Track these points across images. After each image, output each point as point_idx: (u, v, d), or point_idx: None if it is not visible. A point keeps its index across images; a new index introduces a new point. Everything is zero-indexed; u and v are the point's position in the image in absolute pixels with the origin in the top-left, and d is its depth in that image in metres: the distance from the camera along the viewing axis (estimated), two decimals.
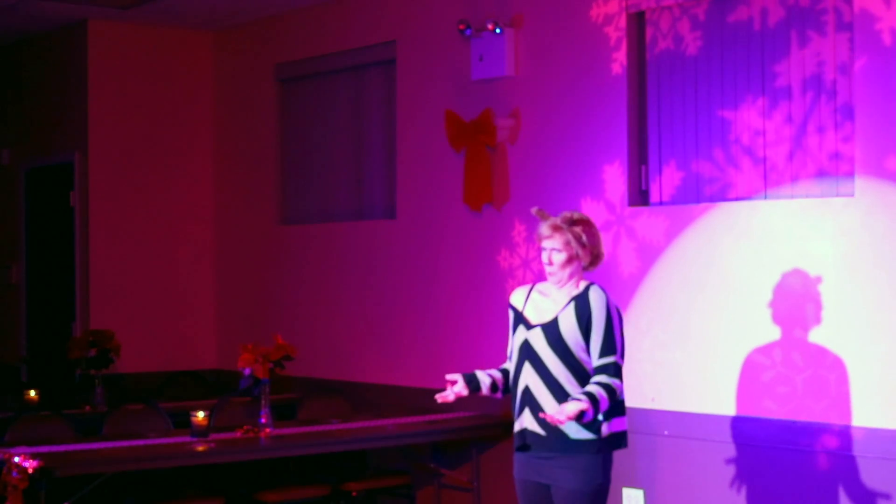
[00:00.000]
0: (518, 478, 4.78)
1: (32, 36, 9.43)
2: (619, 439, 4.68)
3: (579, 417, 4.48)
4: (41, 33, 9.32)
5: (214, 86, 9.30)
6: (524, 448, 4.71)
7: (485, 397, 4.94)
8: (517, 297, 4.83)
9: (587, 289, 4.67)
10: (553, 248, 4.68)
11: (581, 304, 4.63)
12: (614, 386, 4.57)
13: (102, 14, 8.74)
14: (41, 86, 9.48)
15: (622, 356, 4.65)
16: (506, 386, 4.85)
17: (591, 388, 4.53)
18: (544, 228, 4.71)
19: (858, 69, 5.45)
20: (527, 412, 4.68)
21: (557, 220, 4.70)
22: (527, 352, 4.68)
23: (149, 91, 9.09)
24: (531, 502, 4.74)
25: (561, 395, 4.60)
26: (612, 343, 4.60)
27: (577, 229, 4.68)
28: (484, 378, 4.83)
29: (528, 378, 4.67)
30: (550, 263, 4.68)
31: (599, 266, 4.80)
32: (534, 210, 4.83)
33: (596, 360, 4.60)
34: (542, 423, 4.62)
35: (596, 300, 4.63)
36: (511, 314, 4.82)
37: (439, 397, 4.81)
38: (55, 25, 9.06)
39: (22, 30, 9.28)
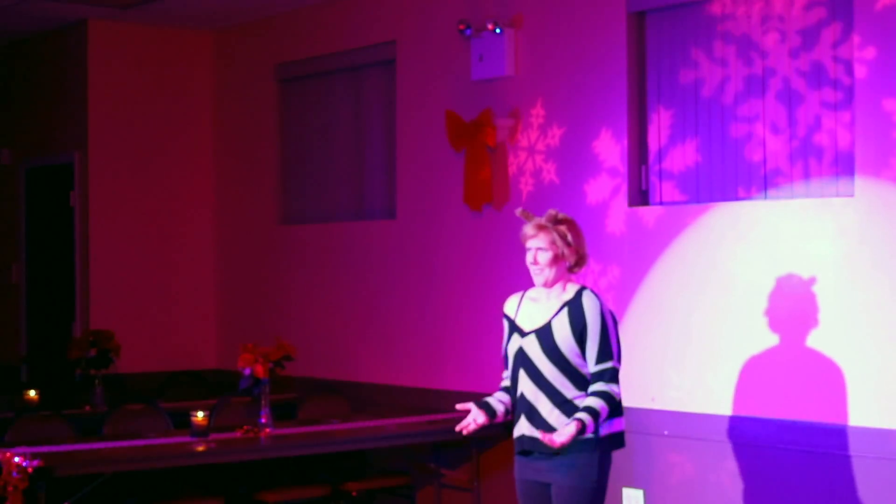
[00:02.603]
0: (518, 478, 4.79)
1: (32, 36, 9.42)
2: (616, 439, 4.69)
3: (581, 431, 4.51)
4: (41, 33, 9.32)
5: (214, 86, 9.30)
6: (524, 453, 4.73)
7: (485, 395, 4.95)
8: (510, 306, 4.84)
9: (579, 294, 4.65)
10: (538, 248, 4.66)
11: (574, 310, 4.61)
12: (612, 392, 4.58)
13: (102, 14, 8.74)
14: (41, 86, 9.47)
15: (619, 359, 4.65)
16: (513, 405, 4.86)
17: (591, 401, 4.55)
18: (529, 228, 4.70)
19: (859, 69, 5.45)
20: (523, 418, 4.69)
21: (542, 220, 4.69)
22: (521, 359, 4.68)
23: (149, 91, 9.09)
24: (531, 502, 4.75)
25: (558, 399, 4.60)
26: (609, 348, 4.60)
27: (562, 228, 4.66)
28: (497, 406, 4.82)
29: (524, 385, 4.67)
30: (536, 263, 4.67)
31: (584, 267, 4.75)
32: (518, 211, 4.79)
33: (593, 366, 4.60)
34: (539, 427, 4.62)
35: (590, 306, 4.61)
36: (505, 323, 4.82)
37: (461, 428, 4.81)
38: (55, 25, 9.06)
39: (22, 30, 9.28)
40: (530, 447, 4.68)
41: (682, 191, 6.24)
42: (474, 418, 4.77)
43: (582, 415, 4.51)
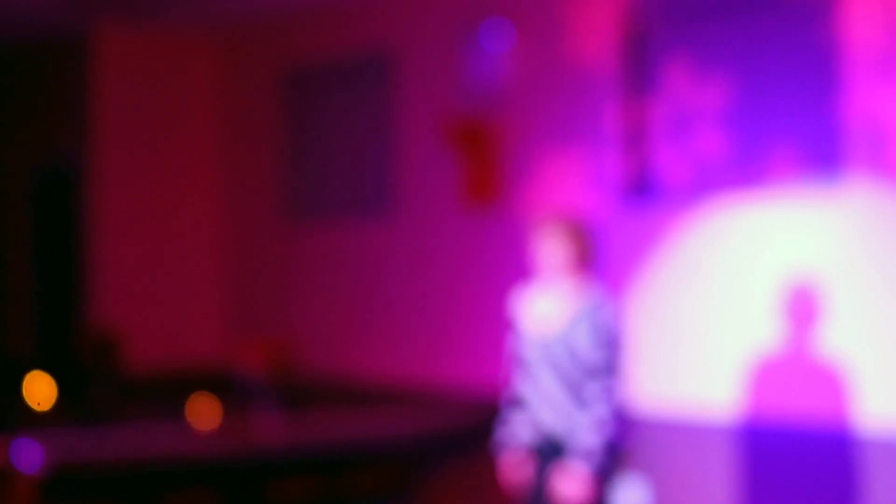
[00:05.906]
0: (533, 475, 4.78)
1: (38, 42, 9.43)
2: (615, 453, 4.61)
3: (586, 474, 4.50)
4: (47, 40, 9.33)
5: (217, 89, 9.32)
6: (532, 451, 4.73)
7: (489, 393, 4.94)
8: (521, 301, 4.82)
9: (592, 304, 4.60)
10: (546, 250, 4.68)
11: (583, 321, 4.57)
12: (605, 416, 4.52)
13: (107, 21, 8.76)
14: (44, 87, 9.50)
15: (619, 376, 4.58)
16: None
17: (585, 439, 4.49)
18: (539, 231, 4.71)
19: (859, 69, 5.46)
20: (528, 418, 4.68)
21: (551, 222, 4.70)
22: (529, 360, 4.67)
23: (152, 94, 9.12)
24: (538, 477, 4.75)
25: (556, 405, 4.58)
26: (611, 364, 4.55)
27: (571, 230, 4.67)
28: (525, 438, 4.80)
29: (529, 386, 4.67)
30: (546, 266, 4.68)
31: (595, 267, 4.75)
32: (531, 217, 4.80)
33: (590, 380, 4.55)
34: (541, 431, 4.61)
35: (600, 318, 4.57)
36: (515, 318, 4.81)
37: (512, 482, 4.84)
38: (61, 33, 9.08)
39: (28, 37, 9.29)
40: (535, 446, 4.66)
41: (683, 190, 6.24)
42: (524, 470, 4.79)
43: (579, 464, 4.49)
